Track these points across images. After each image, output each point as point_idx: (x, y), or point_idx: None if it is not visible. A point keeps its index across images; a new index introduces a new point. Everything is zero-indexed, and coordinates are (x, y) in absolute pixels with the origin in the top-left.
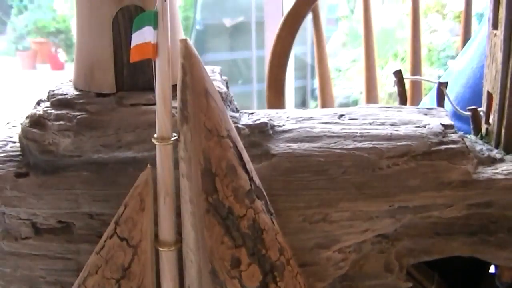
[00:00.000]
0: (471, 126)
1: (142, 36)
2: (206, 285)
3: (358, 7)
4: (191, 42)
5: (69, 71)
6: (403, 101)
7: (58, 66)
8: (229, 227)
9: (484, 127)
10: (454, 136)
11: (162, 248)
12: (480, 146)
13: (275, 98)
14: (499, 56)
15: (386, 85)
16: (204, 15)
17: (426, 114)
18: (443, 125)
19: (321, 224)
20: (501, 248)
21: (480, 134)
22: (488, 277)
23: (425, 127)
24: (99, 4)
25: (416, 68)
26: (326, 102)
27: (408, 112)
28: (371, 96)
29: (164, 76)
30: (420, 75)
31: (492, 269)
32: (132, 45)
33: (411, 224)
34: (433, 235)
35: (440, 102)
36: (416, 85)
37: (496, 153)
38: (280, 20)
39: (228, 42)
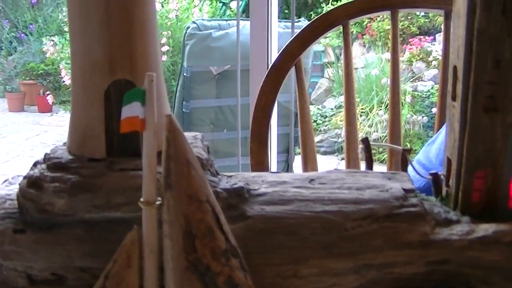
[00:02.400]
0: (433, 189)
1: (131, 110)
2: None
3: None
4: (175, 118)
5: (57, 114)
6: (369, 166)
7: (46, 108)
8: (207, 283)
9: (444, 189)
10: (414, 200)
11: None
12: (438, 209)
13: (258, 149)
14: (457, 126)
15: (371, 133)
16: (192, 62)
17: (390, 179)
18: (404, 189)
19: (292, 280)
20: None
21: (440, 196)
22: None
23: (387, 191)
24: (93, 77)
25: (396, 117)
26: (307, 154)
27: (373, 177)
28: (351, 148)
29: (150, 148)
30: (400, 123)
31: None
32: (122, 118)
33: (375, 279)
34: None
35: (403, 167)
36: (395, 135)
37: (452, 215)
38: (265, 70)
39: (214, 89)
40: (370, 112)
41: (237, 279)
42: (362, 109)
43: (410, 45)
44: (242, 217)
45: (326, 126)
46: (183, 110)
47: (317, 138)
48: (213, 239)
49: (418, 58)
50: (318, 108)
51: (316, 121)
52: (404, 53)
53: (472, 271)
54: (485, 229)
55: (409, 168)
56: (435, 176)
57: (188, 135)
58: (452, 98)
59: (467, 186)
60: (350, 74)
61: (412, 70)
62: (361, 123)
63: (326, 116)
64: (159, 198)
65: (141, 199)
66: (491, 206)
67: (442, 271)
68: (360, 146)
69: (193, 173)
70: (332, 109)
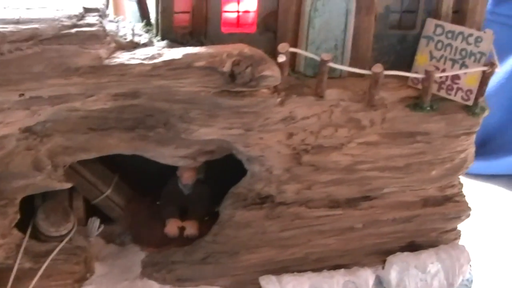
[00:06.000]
0: (139, 13)
1: None
2: None
3: None
4: None
5: None
6: None
7: None
8: None
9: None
10: (92, 19)
11: None
12: (125, 31)
13: None
14: None
15: None
16: None
17: None
18: (85, 8)
19: None
20: (162, 145)
21: (147, 20)
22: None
23: (62, 10)
24: None
25: None
26: None
27: None
28: None
29: None
30: None
31: None
32: None
33: (60, 119)
34: (87, 131)
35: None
36: None
37: (142, 38)
38: None
39: None
40: None
41: None
42: None
43: None
44: None
45: None
46: None
47: None
48: None
49: None
50: None
51: None
52: None
53: (168, 105)
54: (175, 52)
55: None
56: None
57: None
58: None
59: (167, 5)
60: None
61: None
62: None
63: None
64: None
65: None
66: (201, 31)
67: (136, 108)
68: None
69: None
70: None
